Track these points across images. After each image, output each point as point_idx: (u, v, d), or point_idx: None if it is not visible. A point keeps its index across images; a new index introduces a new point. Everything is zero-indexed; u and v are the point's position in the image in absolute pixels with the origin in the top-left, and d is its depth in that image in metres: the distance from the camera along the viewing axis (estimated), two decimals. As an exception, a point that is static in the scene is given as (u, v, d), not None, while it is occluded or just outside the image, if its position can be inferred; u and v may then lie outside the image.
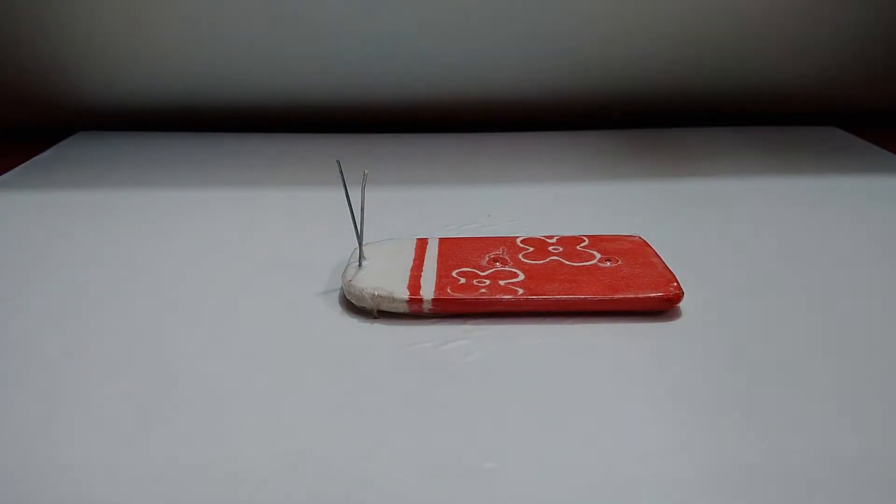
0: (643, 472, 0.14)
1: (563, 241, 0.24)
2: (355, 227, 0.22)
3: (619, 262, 0.22)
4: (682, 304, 0.21)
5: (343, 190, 0.24)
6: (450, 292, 0.21)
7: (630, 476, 0.14)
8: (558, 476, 0.14)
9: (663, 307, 0.21)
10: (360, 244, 0.22)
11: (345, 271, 0.22)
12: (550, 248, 0.24)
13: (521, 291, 0.21)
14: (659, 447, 0.15)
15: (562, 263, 0.23)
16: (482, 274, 0.22)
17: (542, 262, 0.23)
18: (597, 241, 0.24)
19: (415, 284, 0.21)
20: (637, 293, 0.20)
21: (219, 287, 0.23)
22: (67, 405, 0.17)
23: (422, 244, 0.24)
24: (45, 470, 0.15)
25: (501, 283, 0.21)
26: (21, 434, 0.16)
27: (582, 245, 0.24)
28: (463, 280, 0.21)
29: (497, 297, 0.20)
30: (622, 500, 0.14)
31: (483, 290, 0.21)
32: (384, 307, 0.21)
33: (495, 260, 0.23)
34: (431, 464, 0.15)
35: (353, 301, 0.21)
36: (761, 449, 0.15)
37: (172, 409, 0.17)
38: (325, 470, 0.15)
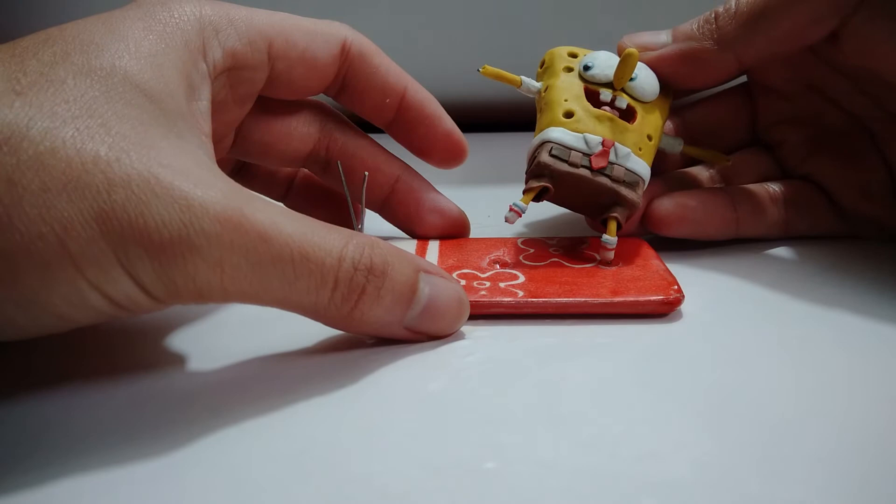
0: (643, 472, 0.14)
1: (563, 242, 0.24)
2: (356, 227, 0.22)
3: (620, 265, 0.22)
4: (682, 306, 0.21)
5: (343, 190, 0.24)
6: (450, 293, 0.21)
7: (630, 476, 0.14)
8: (558, 476, 0.14)
9: (664, 310, 0.20)
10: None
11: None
12: (551, 250, 0.24)
13: (521, 294, 0.21)
14: (659, 447, 0.15)
15: (562, 265, 0.22)
16: (482, 275, 0.22)
17: (542, 263, 0.23)
18: (598, 242, 0.24)
19: (415, 285, 0.21)
20: (638, 296, 0.20)
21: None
22: (75, 414, 0.17)
23: (422, 245, 0.24)
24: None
25: (501, 285, 0.21)
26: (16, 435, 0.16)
27: (583, 247, 0.24)
28: (463, 282, 0.21)
29: (497, 299, 0.20)
30: (622, 500, 0.14)
31: (483, 293, 0.21)
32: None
33: (496, 261, 0.23)
34: (431, 464, 0.15)
35: (353, 301, 0.21)
36: (761, 449, 0.15)
37: (170, 409, 0.17)
38: (324, 468, 0.15)
